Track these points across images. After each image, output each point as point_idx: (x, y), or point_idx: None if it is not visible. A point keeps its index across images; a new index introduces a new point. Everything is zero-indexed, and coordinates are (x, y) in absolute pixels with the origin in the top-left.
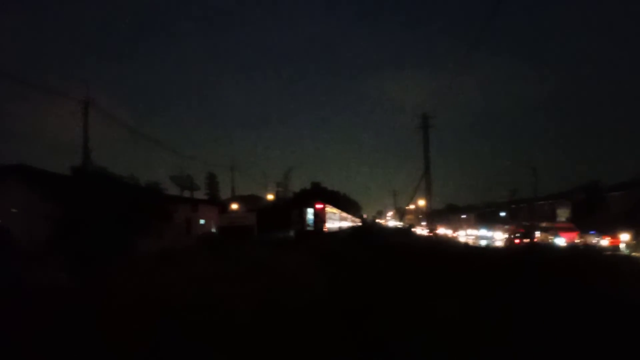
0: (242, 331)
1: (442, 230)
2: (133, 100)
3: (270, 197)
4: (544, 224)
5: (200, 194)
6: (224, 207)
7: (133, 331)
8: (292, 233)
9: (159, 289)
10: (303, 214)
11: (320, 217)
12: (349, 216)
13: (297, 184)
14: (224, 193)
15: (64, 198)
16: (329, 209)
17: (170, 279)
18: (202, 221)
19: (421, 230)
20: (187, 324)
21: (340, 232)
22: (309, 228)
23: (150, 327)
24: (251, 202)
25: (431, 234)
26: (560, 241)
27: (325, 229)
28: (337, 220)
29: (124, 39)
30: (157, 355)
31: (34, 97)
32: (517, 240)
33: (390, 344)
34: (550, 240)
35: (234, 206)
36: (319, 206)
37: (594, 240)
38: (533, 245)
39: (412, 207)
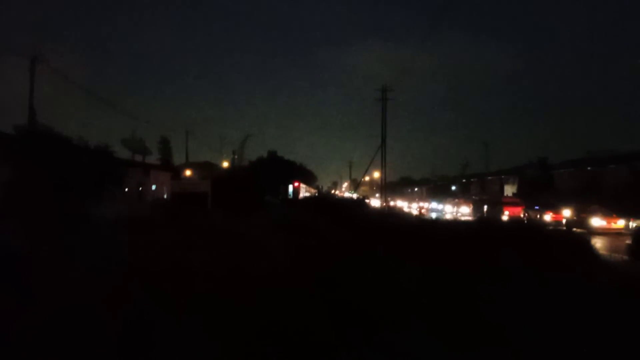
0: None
1: (399, 203)
2: (85, 59)
3: (225, 164)
4: (486, 198)
5: (153, 159)
6: (177, 173)
7: (91, 299)
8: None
9: (117, 256)
10: (287, 189)
11: (297, 190)
12: (310, 188)
13: (253, 152)
14: (178, 159)
15: (8, 159)
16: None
17: (130, 247)
18: (153, 187)
19: (375, 202)
20: (155, 292)
21: (305, 199)
22: (289, 197)
23: (113, 294)
24: (206, 168)
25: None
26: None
27: (300, 198)
28: (303, 192)
29: None
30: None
31: None
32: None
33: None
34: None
35: (188, 172)
36: (296, 184)
37: (537, 215)
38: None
39: (367, 178)
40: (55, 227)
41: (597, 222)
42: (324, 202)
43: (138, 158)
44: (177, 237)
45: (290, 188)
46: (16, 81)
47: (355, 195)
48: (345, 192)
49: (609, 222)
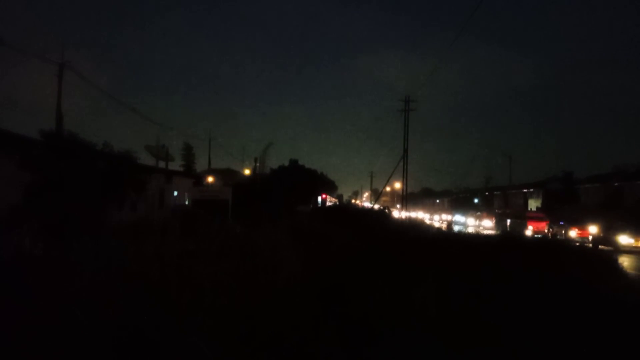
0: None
1: (420, 214)
2: (112, 67)
3: (247, 172)
4: (509, 212)
5: (176, 165)
6: (199, 179)
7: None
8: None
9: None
10: (316, 199)
11: (324, 201)
12: (333, 198)
13: (275, 160)
14: (200, 166)
15: (35, 163)
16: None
17: (144, 253)
18: (175, 193)
19: (398, 213)
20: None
21: (328, 207)
22: (319, 206)
23: (124, 298)
24: (228, 176)
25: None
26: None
27: (326, 206)
28: (328, 202)
29: (106, 2)
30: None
31: (7, 58)
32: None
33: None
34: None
35: (210, 179)
36: (324, 196)
37: (562, 230)
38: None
39: (388, 189)
40: (69, 232)
41: (624, 239)
42: (344, 213)
43: (161, 164)
44: (184, 246)
45: (320, 199)
46: (44, 87)
47: (377, 206)
48: (365, 202)
49: (637, 240)
